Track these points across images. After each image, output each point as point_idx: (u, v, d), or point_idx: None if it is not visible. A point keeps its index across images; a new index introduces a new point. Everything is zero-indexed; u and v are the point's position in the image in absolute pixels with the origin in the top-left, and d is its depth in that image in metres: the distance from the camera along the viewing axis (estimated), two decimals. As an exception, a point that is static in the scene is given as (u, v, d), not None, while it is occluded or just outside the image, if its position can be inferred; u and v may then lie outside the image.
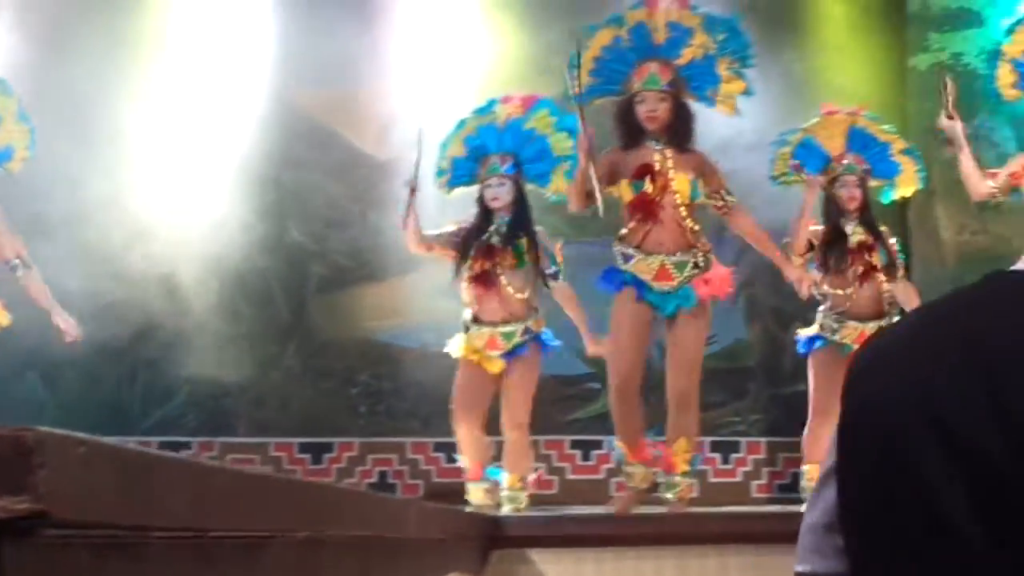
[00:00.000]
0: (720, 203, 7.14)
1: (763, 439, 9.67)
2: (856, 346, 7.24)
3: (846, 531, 1.51)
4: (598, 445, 9.43)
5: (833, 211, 7.45)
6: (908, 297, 7.54)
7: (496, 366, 7.40)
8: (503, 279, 7.33)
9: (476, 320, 7.40)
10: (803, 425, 7.59)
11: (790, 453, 9.46)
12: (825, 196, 7.45)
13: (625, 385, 7.00)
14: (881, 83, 9.79)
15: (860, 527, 1.48)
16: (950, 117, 7.31)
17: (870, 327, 7.25)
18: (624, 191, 7.01)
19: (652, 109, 7.03)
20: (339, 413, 9.63)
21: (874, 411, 1.47)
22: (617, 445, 7.18)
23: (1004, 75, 7.10)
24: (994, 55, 7.17)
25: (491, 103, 7.54)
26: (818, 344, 7.45)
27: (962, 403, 1.38)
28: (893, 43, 9.91)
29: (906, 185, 7.71)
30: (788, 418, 9.37)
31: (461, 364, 7.47)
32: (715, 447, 9.53)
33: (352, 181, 9.69)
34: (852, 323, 7.34)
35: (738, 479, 9.64)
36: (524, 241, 7.35)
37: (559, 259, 7.51)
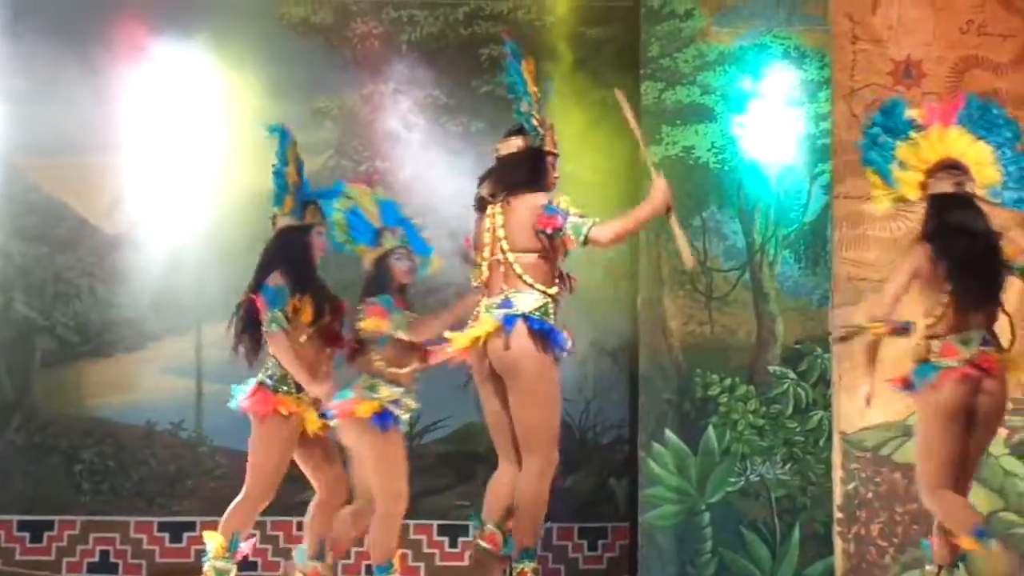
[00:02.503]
0: None
1: (484, 522, 9.67)
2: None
3: None
4: (327, 526, 9.35)
5: (387, 282, 7.13)
6: None
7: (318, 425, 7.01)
8: None
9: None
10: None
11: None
12: (377, 268, 7.17)
13: None
14: (616, 173, 9.92)
15: None
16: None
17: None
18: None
19: None
20: (62, 490, 9.45)
21: None
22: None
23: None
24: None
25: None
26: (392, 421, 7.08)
27: None
28: (628, 135, 10.06)
29: (438, 265, 7.47)
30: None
31: (281, 428, 6.91)
32: (442, 531, 9.53)
33: (81, 254, 9.53)
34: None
35: (464, 563, 9.64)
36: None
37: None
